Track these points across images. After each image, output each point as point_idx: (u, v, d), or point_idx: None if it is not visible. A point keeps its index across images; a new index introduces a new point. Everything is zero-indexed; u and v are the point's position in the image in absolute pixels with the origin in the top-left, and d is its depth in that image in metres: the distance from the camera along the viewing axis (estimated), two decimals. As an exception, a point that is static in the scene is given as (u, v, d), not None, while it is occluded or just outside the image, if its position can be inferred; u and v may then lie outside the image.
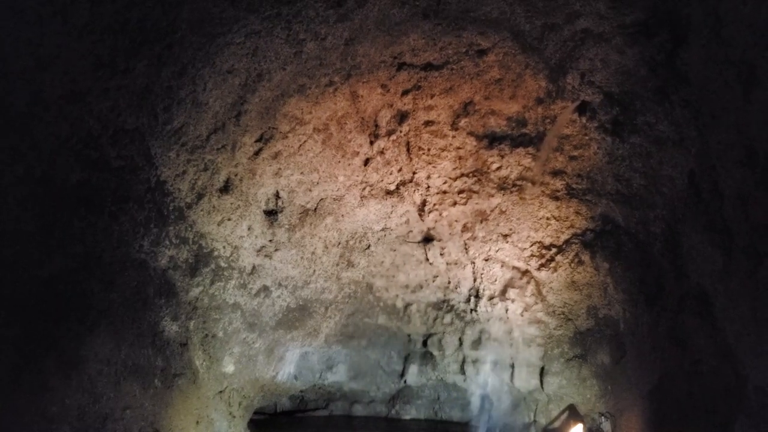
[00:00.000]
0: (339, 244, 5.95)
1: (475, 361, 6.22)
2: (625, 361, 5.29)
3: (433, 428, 6.51)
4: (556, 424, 5.85)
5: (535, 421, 6.07)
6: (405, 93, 5.11)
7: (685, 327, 4.12)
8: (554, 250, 5.58)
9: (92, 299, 3.72)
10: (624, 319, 5.27)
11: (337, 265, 6.04)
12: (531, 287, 5.81)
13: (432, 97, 5.15)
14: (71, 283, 3.55)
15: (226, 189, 4.95)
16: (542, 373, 5.95)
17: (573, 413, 5.74)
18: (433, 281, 6.23)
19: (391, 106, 5.23)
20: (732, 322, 3.24)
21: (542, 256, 5.65)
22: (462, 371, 6.31)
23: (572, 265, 5.52)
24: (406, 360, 6.50)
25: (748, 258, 2.88)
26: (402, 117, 5.31)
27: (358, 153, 5.45)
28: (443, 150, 5.50)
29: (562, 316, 5.77)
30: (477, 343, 6.19)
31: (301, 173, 5.38)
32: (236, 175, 4.99)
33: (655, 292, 4.71)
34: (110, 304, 3.87)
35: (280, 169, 5.25)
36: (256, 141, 4.95)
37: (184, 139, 4.28)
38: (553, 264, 5.61)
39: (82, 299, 3.64)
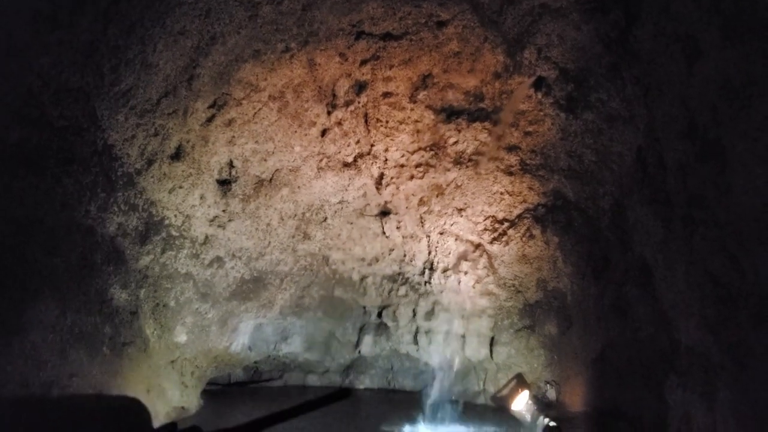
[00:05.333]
0: (295, 216, 5.90)
1: (427, 332, 6.32)
2: (571, 332, 5.48)
3: (386, 397, 6.60)
4: (504, 392, 6.02)
5: (484, 389, 6.23)
6: (363, 63, 5.07)
7: (628, 298, 4.28)
8: (507, 224, 5.69)
9: (34, 264, 3.59)
10: (571, 291, 5.44)
11: (293, 237, 5.99)
12: (483, 260, 5.91)
13: (391, 68, 5.12)
14: (11, 248, 3.41)
15: (177, 156, 4.83)
16: (492, 343, 6.09)
17: (520, 381, 5.92)
18: (389, 254, 6.27)
19: (350, 75, 5.18)
20: (668, 290, 3.38)
21: (495, 230, 5.75)
22: (415, 342, 6.42)
23: (524, 239, 5.64)
24: (361, 331, 6.55)
25: (685, 226, 3.01)
26: (360, 87, 5.27)
27: (315, 123, 5.39)
28: (401, 123, 5.49)
29: (512, 288, 5.90)
30: (430, 315, 6.28)
31: (256, 142, 5.29)
32: (188, 142, 4.87)
33: (601, 265, 4.88)
34: (54, 269, 3.74)
35: (233, 137, 5.15)
36: (208, 107, 4.83)
37: (132, 102, 4.14)
38: (505, 238, 5.72)
39: (23, 264, 3.51)
